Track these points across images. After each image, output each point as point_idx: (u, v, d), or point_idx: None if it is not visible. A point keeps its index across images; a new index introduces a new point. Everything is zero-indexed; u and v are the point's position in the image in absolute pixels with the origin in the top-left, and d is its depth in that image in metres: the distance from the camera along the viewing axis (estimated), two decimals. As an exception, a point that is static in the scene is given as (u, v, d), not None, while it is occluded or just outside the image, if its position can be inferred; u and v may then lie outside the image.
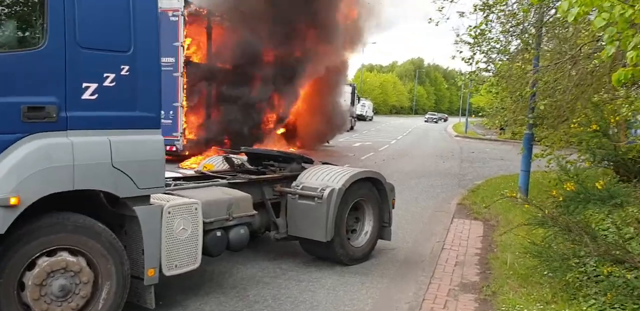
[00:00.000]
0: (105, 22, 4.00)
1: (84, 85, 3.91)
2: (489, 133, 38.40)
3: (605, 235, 5.74)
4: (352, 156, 19.98)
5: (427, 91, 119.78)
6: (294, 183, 6.17)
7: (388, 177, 7.04)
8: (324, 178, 6.12)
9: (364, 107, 58.04)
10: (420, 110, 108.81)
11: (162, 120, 14.43)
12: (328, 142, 24.11)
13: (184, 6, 14.27)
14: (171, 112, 14.39)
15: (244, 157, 7.11)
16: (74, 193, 3.88)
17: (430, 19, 9.89)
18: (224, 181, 5.84)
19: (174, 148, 14.44)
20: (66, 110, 3.82)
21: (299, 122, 20.99)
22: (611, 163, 8.26)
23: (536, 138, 10.88)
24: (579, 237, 5.09)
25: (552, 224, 5.32)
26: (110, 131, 4.08)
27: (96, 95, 3.98)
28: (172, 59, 14.33)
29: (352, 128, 37.21)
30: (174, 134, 14.45)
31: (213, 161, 7.16)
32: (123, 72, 4.12)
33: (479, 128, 44.69)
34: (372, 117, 63.07)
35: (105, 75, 4.02)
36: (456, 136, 40.50)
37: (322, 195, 5.87)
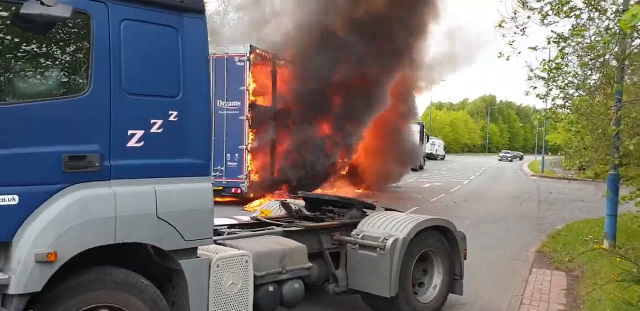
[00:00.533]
0: (152, 67, 3.86)
1: (130, 132, 3.74)
2: (568, 172, 36.40)
3: None
4: (421, 198, 19.27)
5: (500, 128, 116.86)
6: (353, 232, 5.77)
7: (460, 222, 6.53)
8: (386, 227, 5.68)
9: (434, 145, 57.01)
10: (494, 148, 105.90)
11: (228, 163, 14.54)
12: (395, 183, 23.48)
13: (249, 51, 14.55)
14: (237, 155, 14.54)
15: (302, 202, 6.80)
16: (118, 246, 3.68)
17: (500, 53, 9.34)
18: (279, 229, 5.52)
19: (239, 191, 14.49)
20: (110, 159, 3.65)
21: (365, 162, 20.58)
22: None
23: (622, 179, 9.97)
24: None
25: (651, 282, 4.63)
26: (156, 179, 3.87)
27: (142, 143, 3.80)
28: (238, 103, 14.60)
29: (421, 167, 36.39)
30: (239, 176, 14.52)
31: (270, 206, 6.89)
32: (171, 118, 3.94)
33: (557, 166, 42.56)
34: (443, 156, 61.82)
35: (152, 121, 3.85)
36: (532, 175, 38.77)
37: (385, 246, 5.41)
